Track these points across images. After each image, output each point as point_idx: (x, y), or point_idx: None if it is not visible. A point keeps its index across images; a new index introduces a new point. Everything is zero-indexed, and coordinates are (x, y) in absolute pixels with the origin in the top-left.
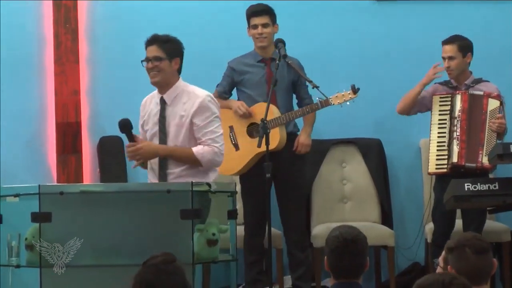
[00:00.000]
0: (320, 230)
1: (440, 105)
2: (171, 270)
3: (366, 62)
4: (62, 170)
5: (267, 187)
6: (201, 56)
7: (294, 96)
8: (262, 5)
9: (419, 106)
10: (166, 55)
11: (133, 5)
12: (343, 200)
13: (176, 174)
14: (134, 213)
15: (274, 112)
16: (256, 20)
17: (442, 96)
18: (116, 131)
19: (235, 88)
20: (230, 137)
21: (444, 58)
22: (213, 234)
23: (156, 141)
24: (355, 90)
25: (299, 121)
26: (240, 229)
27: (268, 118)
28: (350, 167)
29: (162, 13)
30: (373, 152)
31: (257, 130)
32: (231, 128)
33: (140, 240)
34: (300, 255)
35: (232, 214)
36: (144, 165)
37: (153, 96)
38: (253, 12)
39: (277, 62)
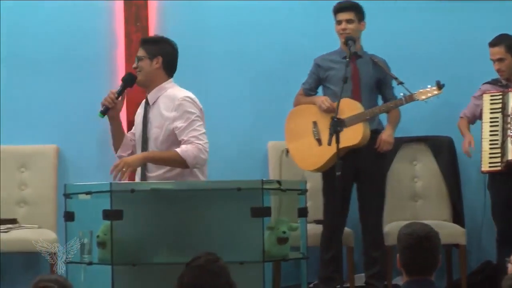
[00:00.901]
0: (392, 228)
1: (491, 104)
2: (216, 270)
3: (437, 60)
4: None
5: (338, 185)
6: (284, 55)
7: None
8: (348, 1)
9: (477, 115)
10: (147, 54)
11: (204, 3)
12: (414, 198)
13: (157, 177)
14: (204, 211)
15: (359, 108)
16: (341, 16)
17: (492, 94)
18: None
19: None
20: (313, 132)
21: (493, 60)
22: (284, 232)
23: (140, 145)
24: (440, 86)
25: (384, 120)
26: (315, 227)
27: (352, 114)
28: (421, 165)
29: (232, 10)
30: (444, 150)
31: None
32: (314, 123)
33: (210, 238)
34: (376, 254)
35: (303, 212)
36: None
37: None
38: (339, 8)
39: (347, 59)
